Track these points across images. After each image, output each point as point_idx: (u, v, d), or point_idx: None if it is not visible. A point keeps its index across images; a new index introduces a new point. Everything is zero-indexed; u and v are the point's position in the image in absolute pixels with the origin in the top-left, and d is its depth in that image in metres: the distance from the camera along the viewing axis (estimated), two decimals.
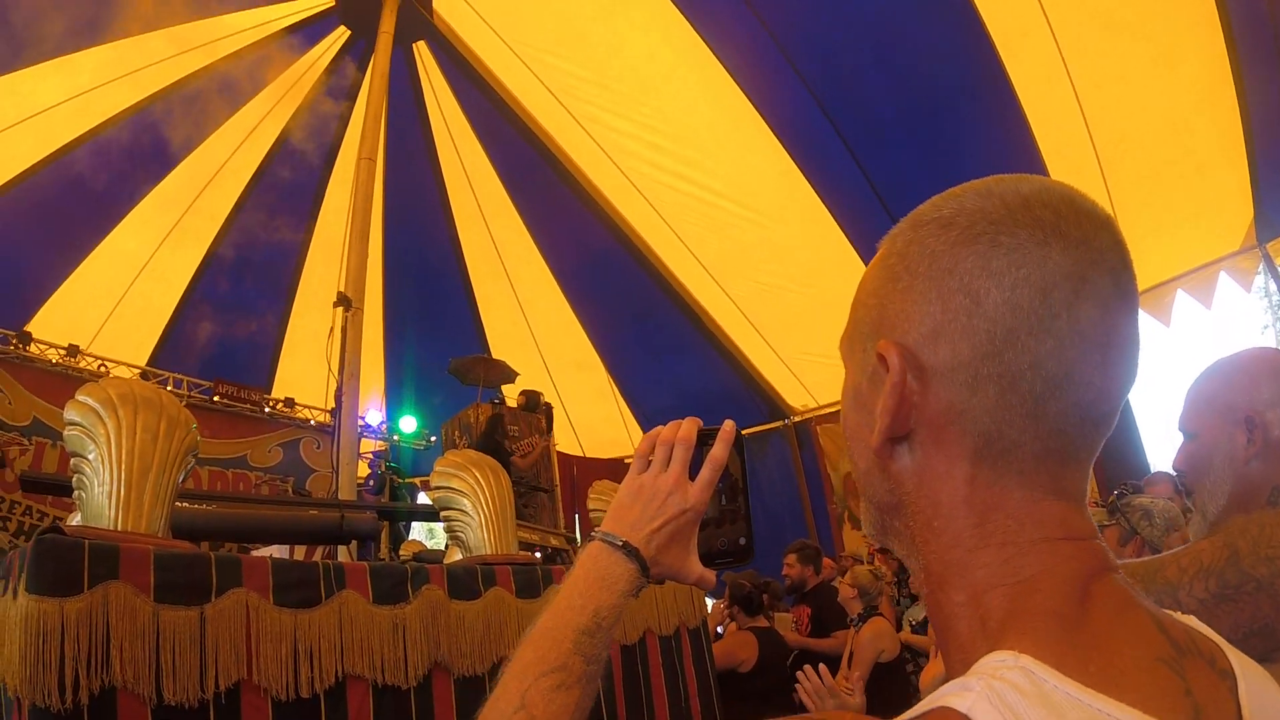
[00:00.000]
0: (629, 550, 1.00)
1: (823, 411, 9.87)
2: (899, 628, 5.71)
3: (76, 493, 2.02)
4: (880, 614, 5.22)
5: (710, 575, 1.07)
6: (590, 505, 3.75)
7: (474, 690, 2.36)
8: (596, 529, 1.05)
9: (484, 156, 9.46)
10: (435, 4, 8.31)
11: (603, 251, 9.60)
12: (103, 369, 9.47)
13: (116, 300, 9.66)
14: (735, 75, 7.28)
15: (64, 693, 1.54)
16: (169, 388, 9.68)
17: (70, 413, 1.99)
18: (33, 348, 9.15)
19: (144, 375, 9.68)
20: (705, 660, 3.55)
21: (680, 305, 9.59)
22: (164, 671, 1.69)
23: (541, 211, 9.79)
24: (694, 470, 1.04)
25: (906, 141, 7.22)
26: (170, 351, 10.09)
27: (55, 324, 9.30)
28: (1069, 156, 6.61)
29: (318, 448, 11.11)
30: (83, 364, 9.48)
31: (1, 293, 8.90)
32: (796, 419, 10.15)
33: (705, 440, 1.06)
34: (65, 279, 9.22)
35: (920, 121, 7.12)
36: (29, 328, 9.16)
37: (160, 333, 10.12)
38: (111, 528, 1.87)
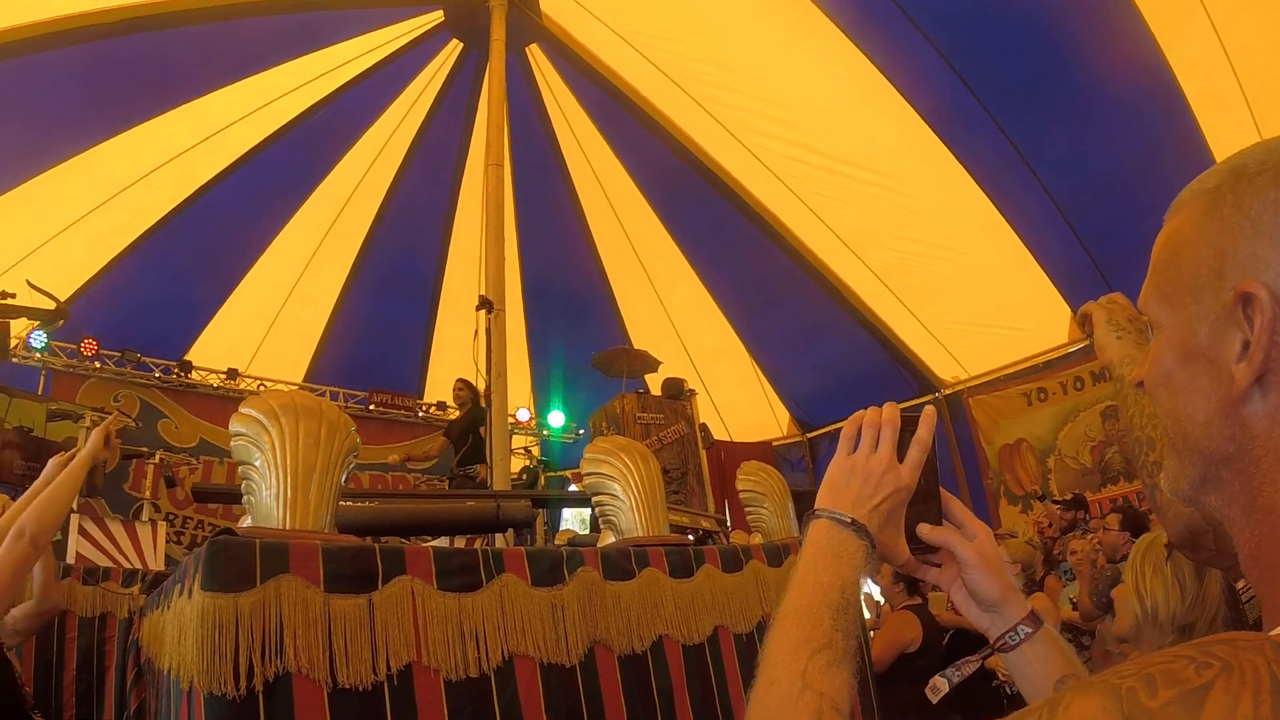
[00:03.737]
0: (857, 527, 1.02)
1: (975, 382, 9.59)
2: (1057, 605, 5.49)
3: (245, 498, 2.12)
4: (1038, 591, 5.04)
5: (914, 559, 1.11)
6: (740, 486, 3.72)
7: (636, 666, 2.37)
8: (819, 507, 1.06)
9: (609, 150, 9.52)
10: (543, 6, 8.37)
11: (737, 233, 9.54)
12: (261, 388, 10.02)
13: (269, 323, 10.19)
14: (855, 39, 7.11)
15: (238, 680, 1.61)
16: (326, 400, 10.17)
17: (236, 425, 2.10)
18: (194, 374, 9.94)
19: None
20: (861, 641, 3.45)
21: (820, 281, 9.45)
22: (337, 656, 1.76)
23: (671, 199, 9.80)
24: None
25: (1039, 94, 6.94)
26: (324, 367, 10.59)
27: (213, 351, 10.02)
28: (1215, 98, 6.23)
29: None
30: (242, 385, 10.15)
31: (161, 326, 9.59)
32: (947, 391, 9.87)
33: (906, 424, 1.09)
34: (219, 308, 9.78)
35: (1053, 74, 6.81)
36: (189, 356, 9.84)
37: (313, 350, 10.64)
38: (280, 527, 1.96)
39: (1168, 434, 0.80)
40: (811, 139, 8.14)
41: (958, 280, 8.49)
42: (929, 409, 1.10)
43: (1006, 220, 7.73)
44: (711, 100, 8.35)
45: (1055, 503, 7.72)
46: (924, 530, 1.09)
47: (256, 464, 2.06)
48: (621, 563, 2.49)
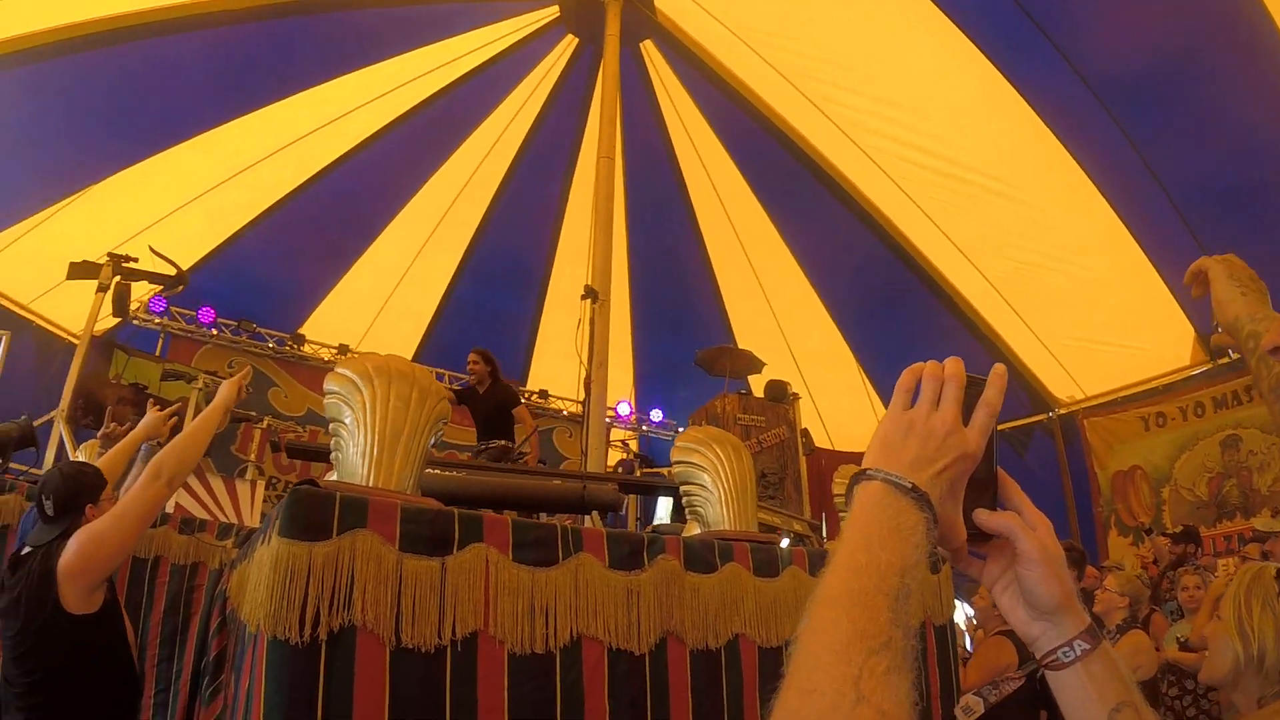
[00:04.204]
0: (918, 494, 0.83)
1: (1092, 403, 9.21)
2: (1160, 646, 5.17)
3: (333, 454, 2.15)
4: (1139, 627, 4.78)
5: (963, 548, 0.94)
6: (836, 491, 3.64)
7: (708, 663, 2.32)
8: (870, 467, 0.88)
9: (720, 147, 9.47)
10: (658, 2, 8.37)
11: (848, 235, 9.38)
12: None
13: (381, 304, 10.47)
14: (974, 38, 6.91)
15: (303, 628, 1.63)
16: None
17: (330, 383, 2.13)
18: (306, 348, 10.36)
19: None
20: (950, 660, 3.28)
21: (933, 288, 9.22)
22: (404, 616, 1.76)
23: (783, 198, 9.69)
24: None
25: (1165, 98, 6.63)
26: (432, 349, 10.80)
27: (326, 326, 10.38)
28: None
29: (569, 436, 11.64)
30: None
31: (277, 300, 10.01)
32: (1062, 411, 9.53)
33: (972, 387, 0.94)
34: (333, 287, 10.11)
35: (1179, 77, 6.50)
36: (302, 330, 10.19)
37: (422, 333, 10.85)
38: (364, 484, 1.98)
39: None
40: (928, 141, 7.95)
41: (1076, 293, 8.18)
42: (998, 367, 0.95)
43: (1130, 231, 7.42)
44: (826, 99, 8.23)
45: (1165, 535, 7.36)
46: (983, 515, 0.92)
47: (346, 421, 2.09)
48: (704, 554, 2.44)
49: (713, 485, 2.74)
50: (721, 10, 8.00)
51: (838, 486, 3.66)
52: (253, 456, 8.37)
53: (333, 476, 2.19)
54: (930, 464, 0.87)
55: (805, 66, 8.05)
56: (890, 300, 9.76)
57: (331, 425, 2.17)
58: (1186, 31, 6.22)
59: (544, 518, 3.36)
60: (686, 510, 2.85)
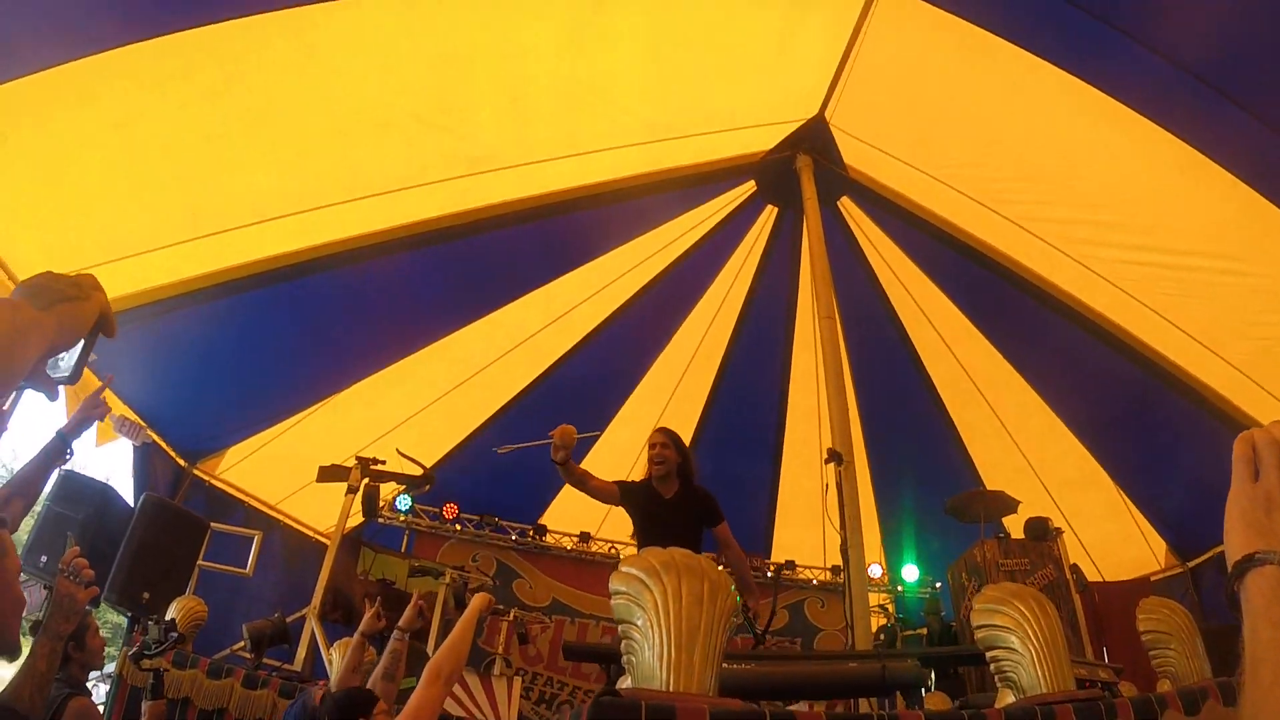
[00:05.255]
0: None
1: None
2: None
3: (625, 657, 2.13)
4: None
5: None
6: (1142, 627, 3.36)
7: None
8: (1257, 550, 0.80)
9: (933, 287, 9.36)
10: (846, 159, 8.50)
11: (1081, 351, 8.90)
12: (613, 550, 10.44)
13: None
14: (1161, 122, 6.58)
15: None
16: None
17: (616, 583, 2.13)
18: (548, 538, 10.60)
19: None
20: None
21: (1177, 388, 8.51)
22: None
23: (1006, 327, 9.40)
24: None
25: None
26: None
27: (566, 515, 10.72)
28: None
29: (821, 606, 11.29)
30: (594, 548, 10.62)
31: (517, 492, 10.45)
32: None
33: None
34: None
35: None
36: (543, 520, 10.52)
37: None
38: (663, 689, 1.94)
39: None
40: (1140, 236, 7.55)
41: None
42: None
43: None
44: (1028, 218, 8.02)
45: None
46: None
47: (638, 623, 2.07)
48: None
49: (1022, 647, 2.56)
50: (908, 153, 8.05)
51: (1144, 623, 3.39)
52: (500, 649, 8.51)
53: (627, 682, 2.17)
54: None
55: (1001, 190, 7.92)
56: (1137, 410, 9.12)
57: (622, 627, 2.16)
58: None
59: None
60: (997, 678, 2.66)
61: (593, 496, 5.43)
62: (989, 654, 2.62)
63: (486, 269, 8.49)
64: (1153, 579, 10.24)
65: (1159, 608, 3.46)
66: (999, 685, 2.68)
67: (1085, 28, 6.12)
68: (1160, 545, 10.29)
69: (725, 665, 2.69)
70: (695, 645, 2.01)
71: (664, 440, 5.63)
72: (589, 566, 10.96)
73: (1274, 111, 6.13)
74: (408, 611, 4.20)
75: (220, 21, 5.39)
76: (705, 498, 5.59)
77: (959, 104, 7.47)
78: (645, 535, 5.30)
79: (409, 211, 7.53)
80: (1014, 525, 9.10)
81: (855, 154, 8.44)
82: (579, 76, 6.99)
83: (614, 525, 10.85)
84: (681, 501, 5.46)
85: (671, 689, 1.95)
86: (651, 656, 2.02)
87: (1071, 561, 8.77)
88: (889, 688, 2.96)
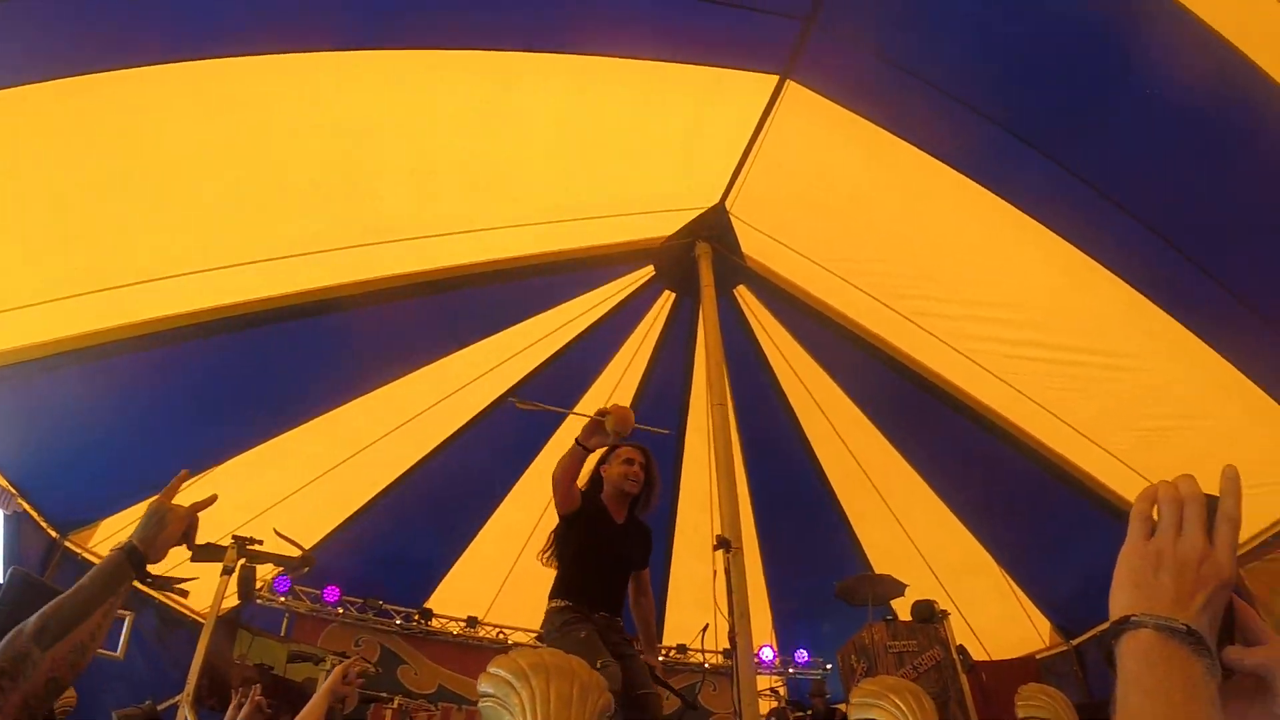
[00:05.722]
0: (1195, 638, 0.75)
1: (1243, 550, 8.58)
2: None
3: None
4: None
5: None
6: (1020, 715, 3.42)
7: None
8: (1134, 613, 0.79)
9: (826, 377, 9.55)
10: (745, 248, 8.68)
11: (969, 443, 9.20)
12: (501, 636, 10.22)
13: (507, 572, 10.48)
14: (1055, 228, 6.93)
15: None
16: None
17: (483, 685, 2.09)
18: (434, 622, 10.29)
19: (539, 639, 10.40)
20: None
21: (1061, 477, 8.85)
22: None
23: (896, 418, 9.64)
24: None
25: (1255, 243, 6.47)
26: None
27: (453, 599, 10.44)
28: None
29: (714, 690, 11.24)
30: (482, 633, 10.38)
31: (402, 575, 10.14)
32: None
33: (1209, 503, 0.88)
34: (457, 558, 10.20)
35: (1262, 217, 6.34)
36: (428, 604, 10.23)
37: None
38: None
39: None
40: (1030, 333, 7.89)
41: (1206, 448, 7.75)
42: (1230, 469, 0.89)
43: (1247, 376, 7.13)
44: (922, 314, 8.30)
45: None
46: (1236, 653, 0.82)
47: None
48: None
49: None
50: (806, 246, 8.26)
51: (1022, 710, 3.46)
52: None
53: None
54: (1191, 599, 0.79)
55: (896, 286, 8.18)
56: (1022, 499, 9.44)
57: None
58: (1267, 171, 6.17)
59: None
60: None
61: (566, 491, 5.14)
62: None
63: (377, 342, 8.35)
64: (1038, 657, 10.59)
65: (1037, 694, 3.53)
66: None
67: (988, 134, 6.45)
68: (1045, 625, 10.59)
69: None
70: None
71: (643, 460, 5.44)
72: (476, 652, 10.65)
73: (1160, 219, 6.52)
74: (246, 709, 4.05)
75: (123, 68, 5.27)
76: (648, 534, 5.59)
77: (858, 201, 7.73)
78: (586, 556, 5.18)
79: (301, 279, 7.39)
80: (902, 608, 9.24)
81: (754, 244, 8.62)
82: (483, 154, 7.03)
83: (503, 609, 10.66)
84: (629, 530, 5.38)
85: None
86: None
87: (958, 643, 8.91)
88: None
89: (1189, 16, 5.29)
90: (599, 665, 3.82)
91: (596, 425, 4.59)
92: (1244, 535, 6.86)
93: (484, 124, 6.79)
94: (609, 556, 5.17)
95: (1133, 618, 0.78)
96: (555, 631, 4.47)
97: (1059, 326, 7.79)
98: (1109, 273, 7.04)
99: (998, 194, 6.94)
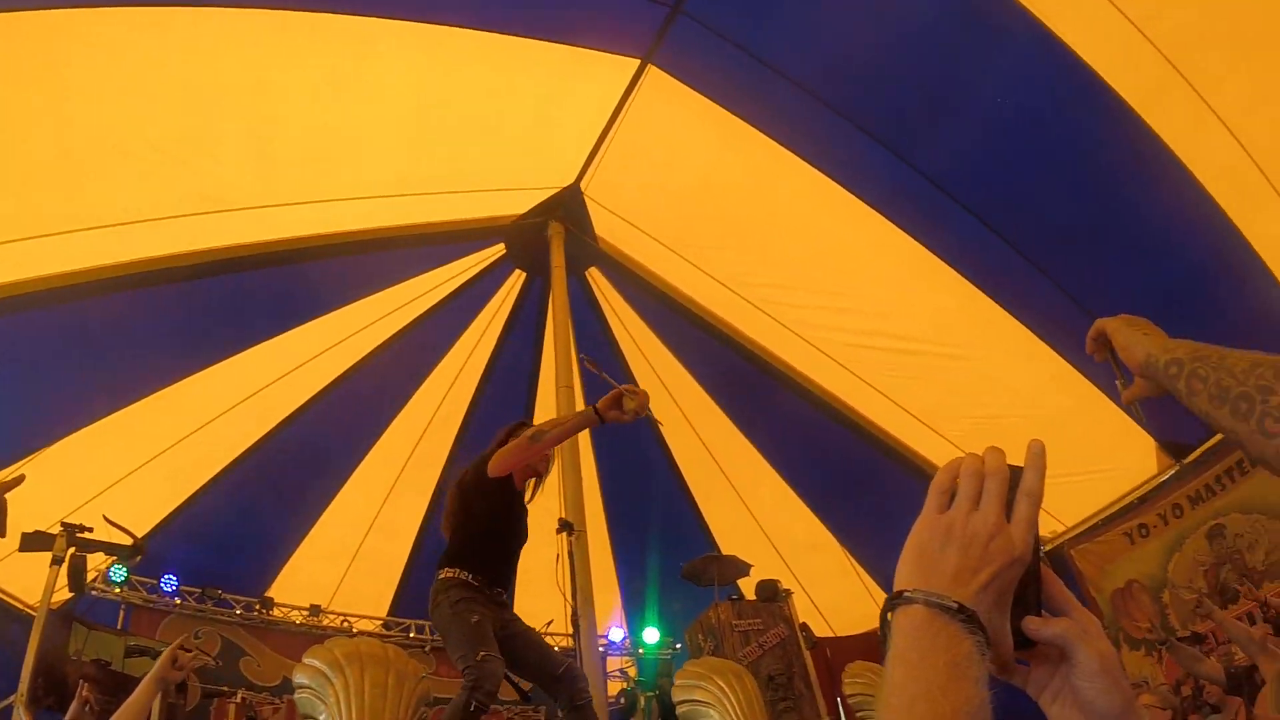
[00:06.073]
0: (967, 615, 0.73)
1: (1073, 532, 9.12)
2: None
3: None
4: None
5: (1011, 661, 0.82)
6: (848, 691, 3.51)
7: None
8: (908, 588, 0.78)
9: (675, 361, 9.66)
10: (597, 230, 8.70)
11: (812, 427, 9.47)
12: (345, 624, 9.96)
13: (351, 557, 10.23)
14: (896, 221, 7.22)
15: None
16: (411, 634, 10.12)
17: (299, 676, 2.04)
18: (276, 611, 9.96)
19: (386, 625, 10.16)
20: None
21: (899, 461, 9.22)
22: None
23: (743, 402, 9.82)
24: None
25: (1084, 239, 6.88)
26: (409, 600, 10.51)
27: (295, 586, 10.07)
28: (1250, 204, 6.08)
29: None
30: (325, 621, 10.10)
31: (243, 562, 9.79)
32: (1047, 547, 9.34)
33: (1015, 478, 0.84)
34: (300, 542, 9.88)
35: (1092, 216, 6.73)
36: (271, 592, 9.89)
37: (396, 583, 10.58)
38: None
39: None
40: (872, 323, 8.16)
41: (1035, 435, 8.19)
42: (1036, 444, 0.86)
43: (1076, 368, 7.52)
44: (769, 301, 8.46)
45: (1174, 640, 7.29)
46: (1034, 625, 0.81)
47: (321, 718, 1.98)
48: None
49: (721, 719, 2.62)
50: (659, 230, 8.32)
51: (849, 687, 3.54)
52: None
53: None
54: (974, 575, 0.77)
55: (745, 273, 8.32)
56: (861, 480, 9.74)
57: None
58: (1096, 171, 6.50)
59: None
60: None
61: (530, 456, 4.92)
62: None
63: (216, 315, 7.99)
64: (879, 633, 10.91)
65: (864, 671, 3.64)
66: None
67: (837, 128, 6.62)
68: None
69: None
70: None
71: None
72: (320, 641, 10.20)
73: (997, 218, 6.79)
74: (73, 706, 3.81)
75: None
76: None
77: (713, 188, 7.83)
78: (500, 528, 4.96)
79: (136, 248, 7.00)
80: (748, 587, 9.41)
81: (607, 226, 8.65)
82: (332, 124, 6.83)
83: (346, 596, 10.40)
84: (526, 505, 5.39)
85: None
86: None
87: (801, 620, 9.14)
88: None
89: (1039, 27, 5.54)
90: (480, 658, 3.79)
91: (617, 399, 4.40)
92: (1076, 518, 7.46)
93: (333, 91, 6.58)
94: (519, 533, 5.07)
95: (905, 593, 0.78)
96: (447, 608, 4.27)
97: (901, 318, 8.08)
98: (949, 268, 7.35)
99: (847, 188, 7.16)
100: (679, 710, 2.68)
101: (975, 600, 0.75)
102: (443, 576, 4.47)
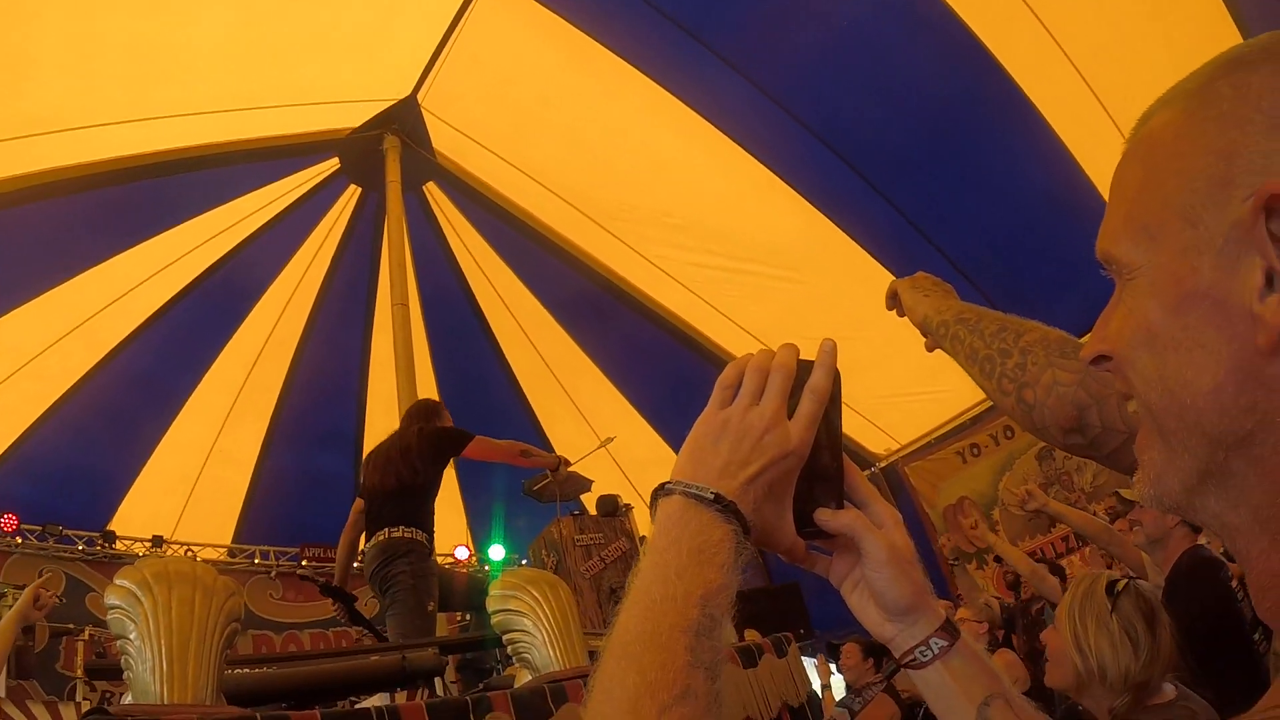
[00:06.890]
0: (723, 505, 0.75)
1: (907, 450, 9.63)
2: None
3: (125, 674, 2.03)
4: (1005, 646, 4.95)
5: (801, 546, 0.85)
6: None
7: None
8: (673, 479, 0.80)
9: (514, 278, 9.62)
10: (435, 144, 8.53)
11: (652, 344, 9.61)
12: (189, 554, 9.75)
13: (191, 486, 9.94)
14: (741, 142, 7.31)
15: None
16: (256, 560, 9.97)
17: (110, 597, 2.02)
18: (119, 545, 9.62)
19: (230, 554, 10.00)
20: None
21: None
22: None
23: (583, 320, 9.88)
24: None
25: (927, 167, 7.12)
26: (253, 527, 10.32)
27: (136, 519, 9.68)
28: (1093, 141, 6.34)
29: None
30: (169, 553, 9.84)
31: (83, 497, 9.35)
32: (882, 464, 9.86)
33: (802, 374, 0.84)
34: (139, 473, 9.53)
35: (936, 144, 6.98)
36: (112, 526, 9.55)
37: (238, 510, 10.35)
38: (158, 703, 1.88)
39: (1150, 414, 0.59)
40: (712, 243, 8.28)
41: (873, 358, 8.48)
42: (826, 343, 0.86)
43: None
44: (611, 219, 8.49)
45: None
46: (824, 515, 0.85)
47: (132, 637, 1.98)
48: (536, 702, 2.39)
49: (534, 628, 2.70)
50: (499, 144, 8.23)
51: None
52: (79, 672, 7.69)
53: (127, 698, 2.06)
54: (743, 468, 0.79)
55: (587, 190, 8.31)
56: (701, 397, 9.94)
57: (119, 643, 2.05)
58: (941, 100, 6.71)
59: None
60: (515, 659, 2.79)
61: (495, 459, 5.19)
62: (505, 637, 2.74)
63: (36, 243, 7.52)
64: None
65: None
66: (518, 665, 2.81)
67: (681, 44, 6.60)
68: None
69: (239, 671, 2.63)
70: (188, 655, 1.95)
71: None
72: None
73: (839, 140, 6.94)
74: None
75: None
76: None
77: (554, 102, 7.76)
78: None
79: None
80: (590, 502, 9.58)
81: (446, 140, 8.48)
82: (154, 37, 6.46)
83: (189, 526, 10.14)
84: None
85: (166, 701, 1.88)
86: (145, 671, 1.94)
87: (642, 534, 9.35)
88: (410, 679, 3.00)
89: None
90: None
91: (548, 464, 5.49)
92: (910, 436, 7.78)
93: (155, 5, 6.23)
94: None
95: (667, 484, 0.80)
96: (409, 577, 4.40)
97: (738, 238, 8.21)
98: (790, 189, 7.49)
99: (691, 106, 7.19)
100: (494, 620, 2.74)
101: (740, 492, 0.77)
102: (402, 535, 4.69)
